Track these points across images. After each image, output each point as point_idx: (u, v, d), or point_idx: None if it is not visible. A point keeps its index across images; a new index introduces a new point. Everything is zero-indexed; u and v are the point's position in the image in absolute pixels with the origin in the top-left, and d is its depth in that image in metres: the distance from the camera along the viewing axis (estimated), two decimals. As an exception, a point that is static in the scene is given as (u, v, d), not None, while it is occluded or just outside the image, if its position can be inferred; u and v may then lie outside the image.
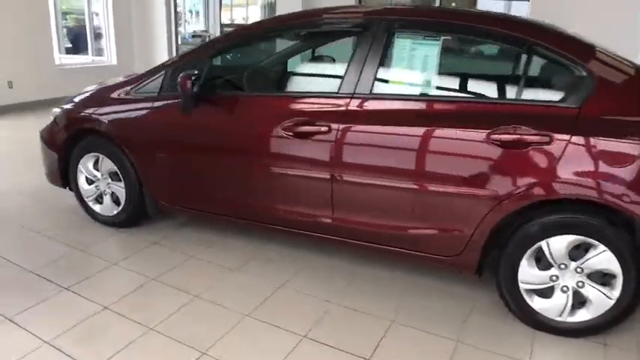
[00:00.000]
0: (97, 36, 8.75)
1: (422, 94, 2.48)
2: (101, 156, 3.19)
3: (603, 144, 2.10)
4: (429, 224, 2.47)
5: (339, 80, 2.57)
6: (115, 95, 3.12)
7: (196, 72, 2.66)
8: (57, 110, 3.37)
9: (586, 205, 2.16)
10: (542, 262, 2.30)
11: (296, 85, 2.94)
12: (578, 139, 2.12)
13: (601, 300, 2.22)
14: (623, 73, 2.29)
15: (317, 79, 2.99)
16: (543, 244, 2.24)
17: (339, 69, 2.68)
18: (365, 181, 2.51)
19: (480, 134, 2.25)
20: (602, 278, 2.24)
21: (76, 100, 3.36)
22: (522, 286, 2.34)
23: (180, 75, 2.64)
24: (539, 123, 2.18)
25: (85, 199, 3.37)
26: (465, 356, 2.20)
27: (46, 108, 7.03)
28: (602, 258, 2.17)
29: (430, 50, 2.44)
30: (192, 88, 2.63)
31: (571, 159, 2.12)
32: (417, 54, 2.46)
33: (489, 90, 2.49)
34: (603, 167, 2.09)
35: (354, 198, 2.57)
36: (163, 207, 3.15)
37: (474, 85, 2.54)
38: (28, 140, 5.68)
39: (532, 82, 2.44)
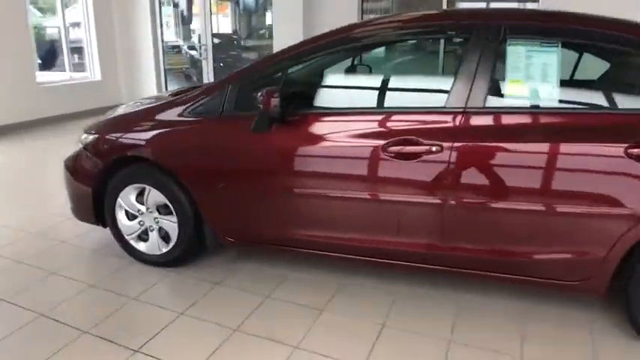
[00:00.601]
0: (73, 51, 8.16)
1: (545, 107, 2.21)
2: (147, 187, 2.76)
3: None
4: (556, 248, 2.20)
5: (439, 94, 2.28)
6: (163, 117, 2.71)
7: (280, 88, 2.30)
8: (87, 136, 2.93)
9: None
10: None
11: (388, 99, 2.60)
12: None
13: None
14: None
15: (410, 92, 2.64)
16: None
17: (437, 81, 2.38)
18: (483, 204, 2.22)
19: (617, 149, 2.01)
20: None
21: (108, 123, 2.93)
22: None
23: (265, 91, 2.28)
24: None
25: (126, 237, 2.94)
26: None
27: (29, 130, 6.51)
28: None
29: (549, 58, 2.17)
30: (278, 105, 2.27)
31: None
32: (534, 62, 2.19)
33: (622, 100, 2.24)
34: None
35: (468, 223, 2.28)
36: (228, 243, 2.76)
37: (601, 95, 2.30)
38: (22, 167, 5.18)
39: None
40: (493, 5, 6.07)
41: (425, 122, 2.28)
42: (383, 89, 2.64)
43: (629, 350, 2.21)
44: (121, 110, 3.15)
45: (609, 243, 2.10)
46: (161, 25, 8.15)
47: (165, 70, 8.31)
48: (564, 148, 2.10)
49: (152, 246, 2.88)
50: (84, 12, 7.62)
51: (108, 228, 2.98)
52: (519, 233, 2.22)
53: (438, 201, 2.25)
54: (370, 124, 2.35)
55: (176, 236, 2.79)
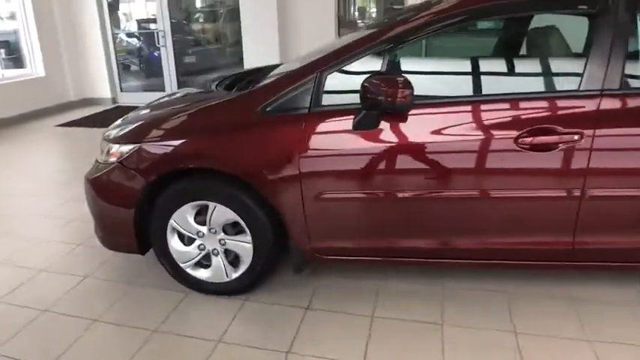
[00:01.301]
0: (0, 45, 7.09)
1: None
2: (212, 204, 2.28)
3: None
4: None
5: (570, 76, 2.02)
6: (230, 118, 2.22)
7: (402, 75, 1.91)
8: (118, 147, 2.36)
9: None
10: None
11: (509, 85, 2.26)
12: None
13: None
14: None
15: (534, 76, 2.32)
16: None
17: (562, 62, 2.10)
18: (628, 193, 2.00)
19: None
20: None
21: (148, 129, 2.37)
22: None
23: (391, 79, 1.89)
24: None
25: (181, 266, 2.44)
26: None
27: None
28: None
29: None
30: (410, 98, 1.88)
31: None
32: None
33: None
34: None
35: (608, 214, 2.05)
36: (320, 260, 2.35)
37: None
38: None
39: None
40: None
41: (559, 107, 2.00)
42: (500, 74, 2.32)
43: None
44: (147, 111, 2.60)
45: None
46: (110, 9, 7.25)
47: (117, 61, 7.45)
48: None
49: (217, 272, 2.41)
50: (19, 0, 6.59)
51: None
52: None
53: (577, 193, 2.00)
54: (495, 114, 2.03)
55: (250, 259, 2.35)
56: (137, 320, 2.31)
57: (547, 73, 2.24)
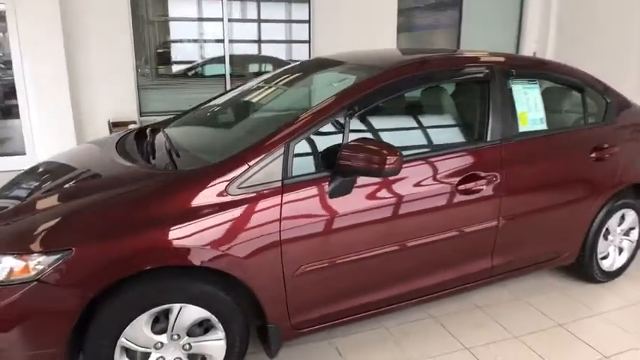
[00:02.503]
0: None
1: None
2: (177, 306, 1.90)
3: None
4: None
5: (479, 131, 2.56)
6: (196, 202, 1.89)
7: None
8: (36, 258, 1.72)
9: None
10: None
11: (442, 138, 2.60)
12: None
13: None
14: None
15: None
16: None
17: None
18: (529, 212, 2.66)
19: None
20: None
21: (82, 227, 1.83)
22: None
23: (381, 148, 1.98)
24: None
25: (131, 392, 1.93)
26: None
27: None
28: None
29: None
30: (399, 163, 1.98)
31: None
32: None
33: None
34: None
35: (514, 234, 2.66)
36: (297, 335, 2.20)
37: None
38: None
39: None
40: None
41: (480, 157, 2.47)
42: (432, 129, 2.62)
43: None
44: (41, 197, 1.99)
45: None
46: None
47: None
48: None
49: (180, 386, 2.01)
50: None
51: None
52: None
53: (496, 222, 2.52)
54: (442, 166, 2.36)
55: (222, 356, 2.05)
56: None
57: (468, 129, 2.67)
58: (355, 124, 2.21)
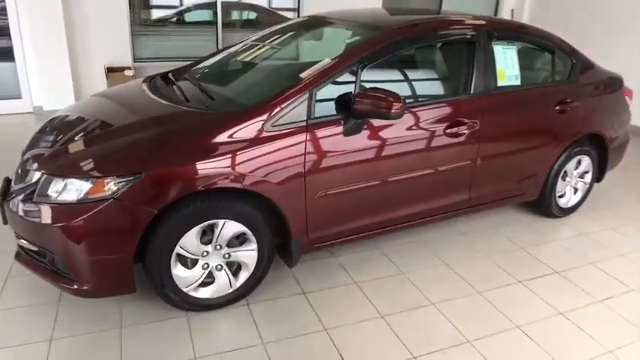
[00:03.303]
0: None
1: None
2: (221, 221, 2.33)
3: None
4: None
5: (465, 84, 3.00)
6: (238, 136, 2.29)
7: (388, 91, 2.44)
8: (110, 181, 2.11)
9: None
10: None
11: (429, 91, 3.04)
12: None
13: None
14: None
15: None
16: None
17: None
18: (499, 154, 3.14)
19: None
20: None
21: (144, 156, 2.22)
22: None
23: (387, 95, 2.39)
24: None
25: (184, 290, 2.38)
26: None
27: None
28: None
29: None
30: (402, 109, 2.41)
31: None
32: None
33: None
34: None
35: (489, 171, 3.16)
36: (314, 249, 2.71)
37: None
38: None
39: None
40: None
41: (464, 106, 2.93)
42: (429, 81, 3.05)
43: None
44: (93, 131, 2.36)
45: None
46: None
47: None
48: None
49: (221, 287, 2.48)
50: None
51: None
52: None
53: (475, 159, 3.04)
54: (432, 113, 2.81)
55: (254, 264, 2.51)
56: (169, 356, 2.21)
57: (455, 82, 3.10)
58: (364, 75, 2.61)
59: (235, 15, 6.85)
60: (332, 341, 2.35)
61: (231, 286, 2.50)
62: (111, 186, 2.12)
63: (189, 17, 6.71)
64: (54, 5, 5.46)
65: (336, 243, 2.78)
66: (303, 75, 2.50)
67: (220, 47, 6.47)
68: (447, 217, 3.22)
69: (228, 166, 2.26)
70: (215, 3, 6.37)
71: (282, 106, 2.38)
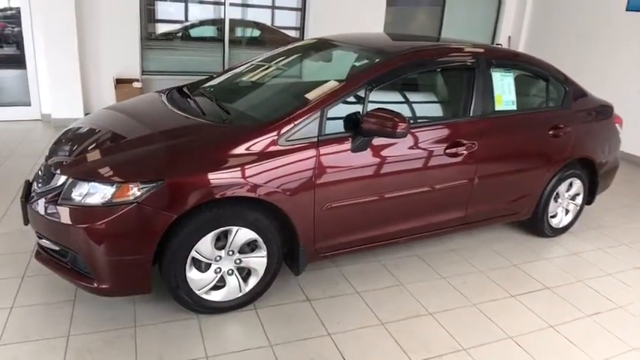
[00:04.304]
0: None
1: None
2: (235, 228, 2.48)
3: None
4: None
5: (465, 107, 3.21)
6: (254, 148, 2.46)
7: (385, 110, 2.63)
8: (133, 187, 2.26)
9: None
10: None
11: (431, 113, 3.25)
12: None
13: None
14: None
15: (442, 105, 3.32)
16: None
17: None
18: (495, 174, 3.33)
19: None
20: None
21: (166, 164, 2.39)
22: None
23: (392, 115, 2.57)
24: None
25: (197, 293, 2.52)
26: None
27: None
28: None
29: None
30: (407, 129, 2.59)
31: None
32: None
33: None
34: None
35: (485, 190, 3.32)
36: (320, 259, 2.85)
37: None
38: None
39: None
40: None
41: (463, 128, 3.12)
42: (429, 104, 3.24)
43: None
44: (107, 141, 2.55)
45: None
46: None
47: None
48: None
49: (232, 291, 2.61)
50: None
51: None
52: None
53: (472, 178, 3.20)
54: (433, 134, 2.99)
55: (263, 270, 2.66)
56: (182, 355, 2.33)
57: (455, 105, 3.30)
58: (371, 96, 2.79)
59: (239, 32, 7.06)
60: (335, 345, 2.48)
61: (240, 291, 2.64)
62: (135, 191, 2.27)
63: (195, 33, 6.92)
64: (67, 16, 5.64)
65: (340, 253, 2.93)
66: (315, 94, 2.68)
67: (227, 63, 6.69)
68: (443, 233, 3.39)
69: (245, 177, 2.42)
70: (223, 20, 6.58)
71: (296, 122, 2.55)
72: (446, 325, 2.72)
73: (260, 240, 2.58)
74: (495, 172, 3.32)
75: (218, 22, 6.70)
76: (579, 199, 4.00)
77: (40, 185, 2.61)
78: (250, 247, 2.61)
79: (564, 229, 4.02)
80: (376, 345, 2.52)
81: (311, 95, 2.68)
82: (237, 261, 2.59)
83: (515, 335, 2.70)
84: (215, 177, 2.36)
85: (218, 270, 2.55)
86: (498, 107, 3.30)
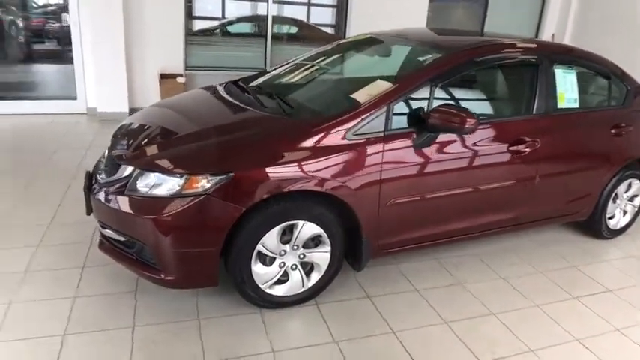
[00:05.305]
0: None
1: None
2: (300, 222, 2.46)
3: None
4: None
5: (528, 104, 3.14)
6: (323, 143, 2.44)
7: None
8: (202, 179, 2.26)
9: None
10: None
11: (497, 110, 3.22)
12: None
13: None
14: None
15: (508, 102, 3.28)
16: None
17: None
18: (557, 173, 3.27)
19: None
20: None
21: (235, 157, 2.38)
22: None
23: (459, 111, 2.54)
24: None
25: (261, 287, 2.51)
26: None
27: None
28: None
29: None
30: (475, 125, 2.54)
31: None
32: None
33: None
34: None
35: (545, 188, 3.24)
36: (382, 255, 2.84)
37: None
38: None
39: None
40: None
41: (526, 125, 3.05)
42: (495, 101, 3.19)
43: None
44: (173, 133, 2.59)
45: None
46: None
47: None
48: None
49: (294, 285, 2.60)
50: None
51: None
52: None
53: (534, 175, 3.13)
54: (497, 130, 2.92)
55: (327, 265, 2.64)
56: (248, 349, 2.33)
57: (518, 102, 3.24)
58: (436, 92, 2.74)
59: (278, 29, 7.07)
60: (401, 343, 2.45)
61: (303, 286, 2.62)
62: (204, 183, 2.27)
63: (237, 29, 6.95)
64: (115, 11, 5.72)
65: (401, 250, 2.90)
66: (379, 89, 2.64)
67: (269, 59, 6.70)
68: (501, 232, 3.32)
69: (313, 171, 2.40)
70: (266, 16, 6.59)
71: (364, 116, 2.52)
72: (510, 326, 2.65)
73: (325, 235, 2.55)
74: (557, 172, 3.23)
75: (259, 19, 6.71)
76: (637, 201, 3.87)
77: (103, 176, 2.64)
78: (314, 242, 2.59)
79: (621, 230, 3.89)
80: (442, 344, 2.48)
81: (376, 90, 2.64)
82: (301, 255, 2.57)
83: (582, 338, 2.62)
84: (284, 170, 2.35)
85: (282, 264, 2.54)
86: (560, 105, 3.21)
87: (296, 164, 2.38)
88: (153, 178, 2.36)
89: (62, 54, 6.26)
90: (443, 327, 2.60)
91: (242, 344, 2.37)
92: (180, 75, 6.15)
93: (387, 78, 2.82)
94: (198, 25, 6.72)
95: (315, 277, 2.65)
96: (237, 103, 2.92)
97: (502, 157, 2.95)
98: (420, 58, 3.06)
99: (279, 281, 2.58)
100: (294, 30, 7.28)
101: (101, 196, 2.51)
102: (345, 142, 2.48)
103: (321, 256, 2.61)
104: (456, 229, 3.01)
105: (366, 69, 3.51)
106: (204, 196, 2.26)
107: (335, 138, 2.47)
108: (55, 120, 5.96)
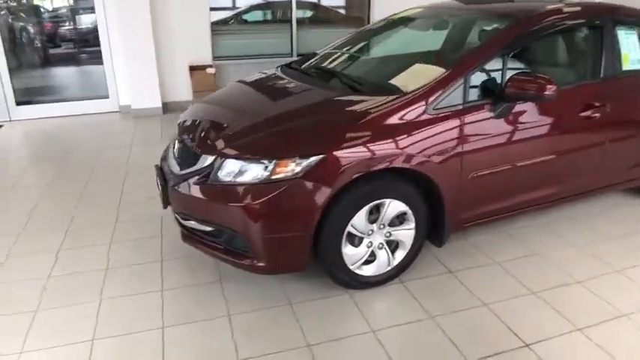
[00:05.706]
0: None
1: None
2: (387, 201, 2.46)
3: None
4: None
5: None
6: (406, 118, 2.43)
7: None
8: (294, 162, 2.26)
9: None
10: None
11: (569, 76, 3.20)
12: None
13: None
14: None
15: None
16: None
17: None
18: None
19: None
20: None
21: (327, 138, 2.36)
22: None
23: (538, 78, 2.51)
24: None
25: (350, 268, 2.52)
26: None
27: None
28: None
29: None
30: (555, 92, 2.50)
31: None
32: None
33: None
34: None
35: (616, 152, 3.21)
36: (462, 229, 2.84)
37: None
38: None
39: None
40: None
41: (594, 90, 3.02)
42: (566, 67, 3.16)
43: None
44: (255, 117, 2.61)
45: None
46: None
47: None
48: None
49: (381, 265, 2.61)
50: None
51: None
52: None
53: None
54: (569, 97, 2.89)
55: (411, 243, 2.64)
56: (347, 330, 2.35)
57: (584, 67, 3.22)
58: (509, 61, 2.71)
59: (300, 14, 7.01)
60: (495, 315, 2.46)
61: (389, 264, 2.63)
62: (293, 167, 2.27)
63: (257, 17, 6.89)
64: (142, 10, 5.69)
65: (480, 223, 2.89)
66: (456, 62, 2.61)
67: (295, 44, 6.64)
68: (571, 200, 3.30)
69: (399, 148, 2.39)
70: (290, 1, 6.52)
71: (442, 90, 2.50)
72: (598, 292, 2.65)
73: (410, 212, 2.55)
74: (625, 135, 3.21)
75: (282, 5, 6.65)
76: None
77: (177, 168, 2.64)
78: (399, 219, 2.59)
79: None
80: (535, 313, 2.48)
81: (452, 62, 2.62)
82: (387, 234, 2.57)
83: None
84: (372, 149, 2.34)
85: (369, 244, 2.54)
86: (625, 67, 3.16)
87: (384, 142, 2.37)
88: (238, 165, 2.35)
89: (91, 55, 6.26)
90: (532, 297, 2.60)
91: (340, 326, 2.38)
92: (210, 66, 6.12)
93: (457, 50, 2.80)
94: (223, 14, 6.66)
95: (400, 255, 2.65)
96: (306, 85, 2.90)
97: (574, 124, 2.93)
98: (487, 28, 3.03)
99: (367, 262, 2.59)
100: (312, 13, 7.22)
101: (183, 187, 2.51)
102: (427, 116, 2.47)
103: (407, 234, 2.61)
104: (533, 199, 3.00)
105: (428, 43, 3.47)
106: (294, 180, 2.26)
107: (417, 113, 2.45)
108: (89, 120, 5.98)
